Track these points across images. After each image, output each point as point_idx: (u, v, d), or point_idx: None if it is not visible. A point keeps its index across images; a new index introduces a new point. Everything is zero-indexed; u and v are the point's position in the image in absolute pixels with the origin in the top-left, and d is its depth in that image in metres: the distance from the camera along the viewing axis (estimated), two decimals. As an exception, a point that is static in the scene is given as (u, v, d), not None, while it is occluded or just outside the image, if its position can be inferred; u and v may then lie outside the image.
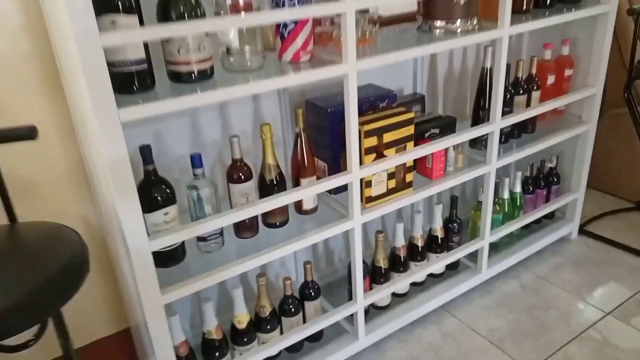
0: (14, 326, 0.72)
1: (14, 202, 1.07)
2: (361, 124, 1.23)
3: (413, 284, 1.63)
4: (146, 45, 0.94)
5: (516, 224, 1.73)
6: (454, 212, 1.64)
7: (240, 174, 1.17)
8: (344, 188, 1.35)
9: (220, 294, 1.48)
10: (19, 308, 0.73)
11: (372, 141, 1.26)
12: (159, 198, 1.07)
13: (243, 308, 1.28)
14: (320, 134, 1.34)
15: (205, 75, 1.02)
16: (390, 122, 1.27)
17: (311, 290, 1.38)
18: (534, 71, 1.64)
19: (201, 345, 1.27)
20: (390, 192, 1.35)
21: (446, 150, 1.45)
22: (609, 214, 2.12)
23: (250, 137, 1.38)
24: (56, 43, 1.09)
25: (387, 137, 1.28)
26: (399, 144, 1.31)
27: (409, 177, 1.37)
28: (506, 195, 1.74)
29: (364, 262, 1.39)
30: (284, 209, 1.26)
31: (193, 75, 1.00)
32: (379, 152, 1.28)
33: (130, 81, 0.94)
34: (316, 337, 1.44)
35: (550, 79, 1.69)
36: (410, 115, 1.30)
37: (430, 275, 1.67)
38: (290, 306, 1.35)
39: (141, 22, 0.91)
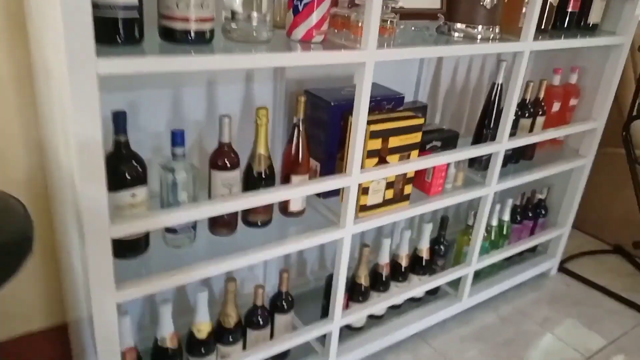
0: None
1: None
2: (367, 123, 1.09)
3: (390, 307, 1.50)
4: (140, -11, 0.78)
5: (503, 253, 1.63)
6: (443, 233, 1.52)
7: (226, 161, 1.01)
8: (334, 192, 1.22)
9: (178, 294, 1.31)
10: None
11: (376, 144, 1.12)
12: (128, 176, 0.89)
13: (206, 315, 1.11)
14: (317, 129, 1.19)
15: (203, 39, 0.86)
16: (398, 126, 1.14)
17: (284, 303, 1.22)
18: (541, 95, 1.55)
19: (152, 353, 1.09)
20: (386, 202, 1.22)
21: (447, 165, 1.34)
22: (587, 254, 2.07)
23: (236, 122, 1.22)
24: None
25: (393, 142, 1.15)
26: (404, 151, 1.18)
27: (408, 189, 1.24)
28: (495, 222, 1.64)
29: (346, 277, 1.25)
30: (268, 208, 1.10)
31: (189, 35, 0.84)
32: (381, 157, 1.15)
33: (115, 29, 0.77)
34: (282, 355, 1.28)
35: (556, 106, 1.62)
36: (420, 121, 1.18)
37: (409, 298, 1.55)
38: (259, 318, 1.19)
39: (137, -41, 0.75)
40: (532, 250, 1.89)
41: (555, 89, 1.60)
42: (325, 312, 1.34)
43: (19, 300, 1.20)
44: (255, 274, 1.45)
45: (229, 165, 1.01)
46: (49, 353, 1.28)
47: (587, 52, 1.63)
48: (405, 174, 1.21)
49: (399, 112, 1.22)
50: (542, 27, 1.40)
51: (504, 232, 1.69)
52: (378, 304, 1.35)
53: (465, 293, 1.57)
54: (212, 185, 1.03)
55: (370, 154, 1.12)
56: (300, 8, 0.96)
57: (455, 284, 1.58)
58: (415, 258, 1.48)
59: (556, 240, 1.85)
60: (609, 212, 2.14)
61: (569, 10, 1.45)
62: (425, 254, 1.48)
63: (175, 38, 0.83)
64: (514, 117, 1.46)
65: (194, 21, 0.83)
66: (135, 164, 0.91)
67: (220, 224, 1.06)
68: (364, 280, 1.35)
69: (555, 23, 1.46)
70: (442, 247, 1.53)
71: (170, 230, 1.00)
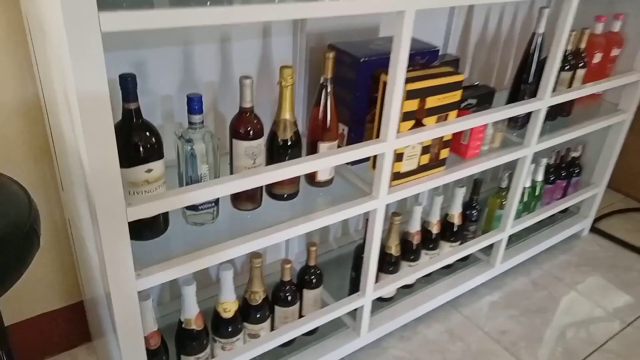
0: None
1: None
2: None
3: (419, 275, 1.42)
4: None
5: (538, 216, 1.54)
6: (476, 197, 1.43)
7: (249, 128, 0.90)
8: (363, 158, 1.11)
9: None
10: None
11: (412, 104, 1.01)
12: (142, 149, 0.79)
13: (232, 294, 1.03)
14: (343, 89, 1.08)
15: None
16: (436, 83, 1.03)
17: (313, 277, 1.15)
18: (583, 45, 1.42)
19: (177, 336, 1.02)
20: (421, 169, 1.11)
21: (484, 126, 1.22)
22: (619, 213, 1.97)
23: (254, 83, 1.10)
24: None
25: (431, 102, 1.03)
26: (442, 112, 1.07)
27: (444, 153, 1.14)
28: (528, 183, 1.54)
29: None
30: (295, 179, 1.00)
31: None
32: (417, 120, 1.04)
33: (117, -23, 0.65)
34: (311, 331, 1.22)
35: (597, 57, 1.48)
36: (460, 77, 1.06)
37: (438, 265, 1.47)
38: (287, 294, 1.11)
39: None
40: (563, 210, 1.80)
41: (597, 38, 1.46)
42: (354, 285, 1.27)
43: (33, 281, 1.13)
44: (277, 244, 1.37)
45: (252, 133, 0.90)
46: (66, 330, 1.22)
47: (633, -5, 1.48)
48: (441, 137, 1.10)
49: (435, 67, 1.10)
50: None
51: (537, 193, 1.59)
52: (410, 275, 1.28)
53: (498, 259, 1.50)
54: (234, 156, 0.92)
55: (405, 116, 1.01)
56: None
57: (487, 249, 1.50)
58: (445, 224, 1.39)
59: (590, 200, 1.75)
60: (642, 168, 2.03)
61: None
62: (456, 220, 1.39)
63: (189, -13, 0.71)
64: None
65: (211, -34, 0.70)
66: (149, 135, 0.81)
67: (244, 198, 0.96)
68: (394, 250, 1.26)
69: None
70: (474, 211, 1.43)
71: (190, 206, 0.90)
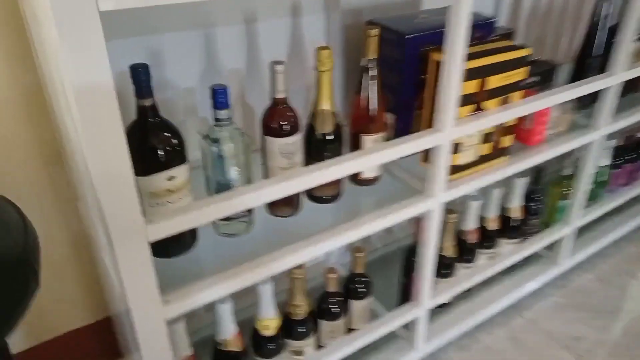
0: None
1: None
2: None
3: (475, 276, 1.28)
4: None
5: (607, 205, 1.38)
6: (539, 188, 1.27)
7: (284, 123, 0.77)
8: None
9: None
10: None
11: (472, 86, 0.86)
12: (161, 152, 0.68)
13: (273, 310, 0.91)
14: (386, 71, 0.94)
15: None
16: (498, 60, 0.88)
17: (361, 286, 1.02)
18: (656, 9, 1.23)
19: (214, 359, 0.91)
20: (480, 160, 0.97)
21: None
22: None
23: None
24: None
25: (493, 82, 0.89)
26: (505, 93, 0.92)
27: (507, 141, 0.99)
28: (592, 169, 1.37)
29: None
30: (339, 179, 0.87)
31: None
32: (477, 104, 0.89)
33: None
34: (359, 345, 1.09)
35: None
36: (526, 52, 0.91)
37: (495, 264, 1.32)
38: (334, 306, 0.99)
39: None
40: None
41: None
42: (405, 292, 1.13)
43: (55, 298, 1.04)
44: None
45: (288, 128, 0.78)
46: (95, 348, 1.13)
47: None
48: (503, 123, 0.95)
49: (493, 41, 0.94)
50: None
51: (602, 179, 1.42)
52: (469, 279, 1.13)
53: (563, 255, 1.34)
54: (268, 155, 0.80)
55: (464, 100, 0.86)
56: None
57: (549, 245, 1.34)
58: (504, 219, 1.24)
59: (661, 184, 1.57)
60: None
61: None
62: (517, 214, 1.23)
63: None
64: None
65: None
66: (170, 136, 0.69)
67: (281, 203, 0.84)
68: (449, 252, 1.12)
69: None
70: (536, 204, 1.28)
71: (221, 216, 0.79)
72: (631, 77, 1.11)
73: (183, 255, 0.76)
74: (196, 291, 0.69)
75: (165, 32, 0.82)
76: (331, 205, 0.89)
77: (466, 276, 1.14)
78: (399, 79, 0.94)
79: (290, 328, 0.96)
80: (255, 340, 0.94)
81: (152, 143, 0.67)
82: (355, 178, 0.93)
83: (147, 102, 0.66)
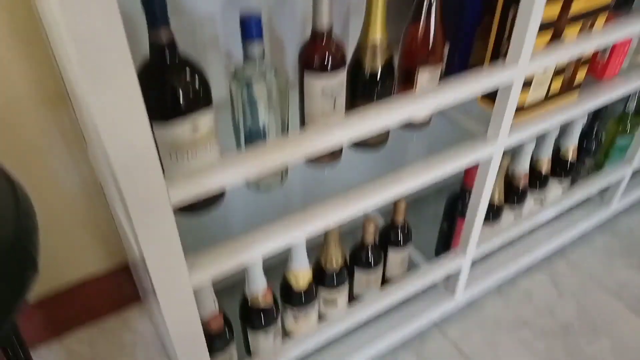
0: None
1: None
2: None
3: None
4: None
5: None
6: (599, 124, 1.13)
7: (327, 58, 0.64)
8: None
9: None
10: None
11: (552, 11, 0.71)
12: (183, 96, 0.56)
13: (305, 262, 0.83)
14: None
15: None
16: (586, -23, 0.71)
17: (401, 236, 0.93)
18: None
19: (242, 314, 0.85)
20: (550, 98, 0.83)
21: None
22: None
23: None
24: None
25: (577, 5, 0.73)
26: (588, 18, 0.76)
27: (580, 75, 0.84)
28: (658, 102, 1.22)
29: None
30: (386, 121, 0.75)
31: None
32: (556, 31, 0.74)
33: None
34: (395, 293, 1.03)
35: None
36: (621, -34, 0.74)
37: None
38: (371, 256, 0.91)
39: None
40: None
41: None
42: (446, 239, 1.05)
43: (69, 245, 0.97)
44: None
45: (330, 63, 0.65)
46: (114, 292, 1.08)
47: None
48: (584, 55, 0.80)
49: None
50: None
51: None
52: (517, 226, 1.04)
53: (616, 198, 1.23)
54: (306, 97, 0.68)
55: (541, 27, 0.71)
56: None
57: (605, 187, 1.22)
58: (556, 161, 1.12)
59: None
60: None
61: None
62: (571, 155, 1.11)
63: None
64: None
65: None
66: (192, 76, 0.57)
67: (320, 151, 0.73)
68: (497, 196, 1.02)
69: None
70: (594, 143, 1.14)
71: (251, 167, 0.68)
72: None
73: (209, 211, 0.66)
74: (228, 254, 0.61)
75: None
76: (376, 153, 0.78)
77: (514, 223, 1.04)
78: (459, 2, 0.78)
79: (323, 277, 0.89)
80: (286, 291, 0.87)
81: (171, 84, 0.55)
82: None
83: (163, 35, 0.53)
